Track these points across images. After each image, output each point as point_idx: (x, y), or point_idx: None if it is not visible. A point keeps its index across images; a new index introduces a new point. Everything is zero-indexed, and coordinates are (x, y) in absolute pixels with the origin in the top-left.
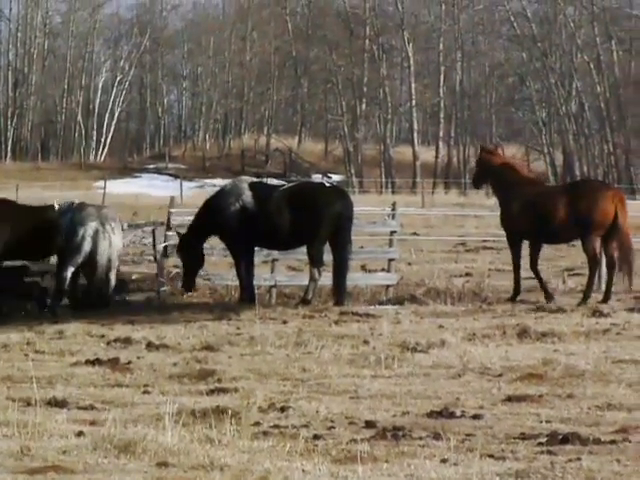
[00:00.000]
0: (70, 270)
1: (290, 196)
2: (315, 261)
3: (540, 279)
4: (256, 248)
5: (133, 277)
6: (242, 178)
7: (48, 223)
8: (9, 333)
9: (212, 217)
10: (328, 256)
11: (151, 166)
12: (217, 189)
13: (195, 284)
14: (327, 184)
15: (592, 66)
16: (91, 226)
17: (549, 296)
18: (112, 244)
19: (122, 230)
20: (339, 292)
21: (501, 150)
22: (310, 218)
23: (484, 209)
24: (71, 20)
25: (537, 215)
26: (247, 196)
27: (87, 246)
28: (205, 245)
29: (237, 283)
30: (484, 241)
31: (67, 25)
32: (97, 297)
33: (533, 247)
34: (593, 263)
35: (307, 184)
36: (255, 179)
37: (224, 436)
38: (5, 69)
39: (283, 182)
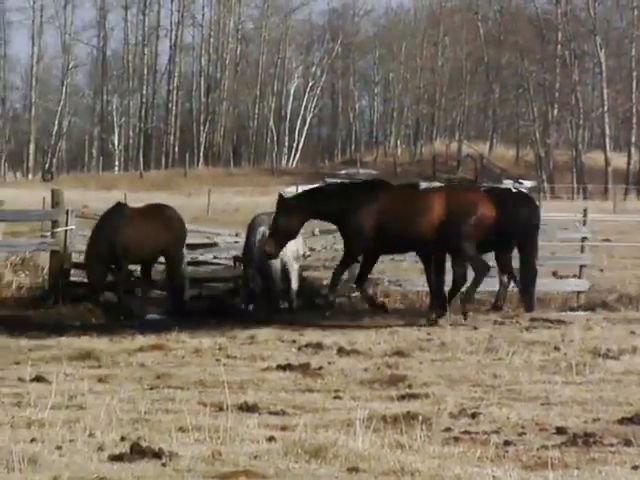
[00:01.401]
0: (253, 275)
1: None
2: (503, 267)
3: None
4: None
5: (324, 282)
6: (433, 184)
7: None
8: (201, 338)
9: None
10: (517, 263)
11: (342, 172)
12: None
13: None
14: (514, 190)
15: None
16: (259, 231)
17: None
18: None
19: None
20: (528, 299)
21: None
22: (497, 225)
23: None
24: (263, 26)
25: None
26: None
27: (257, 252)
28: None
29: (428, 289)
30: None
31: (259, 31)
32: (272, 302)
33: None
34: None
35: (494, 190)
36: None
37: (415, 442)
38: (198, 75)
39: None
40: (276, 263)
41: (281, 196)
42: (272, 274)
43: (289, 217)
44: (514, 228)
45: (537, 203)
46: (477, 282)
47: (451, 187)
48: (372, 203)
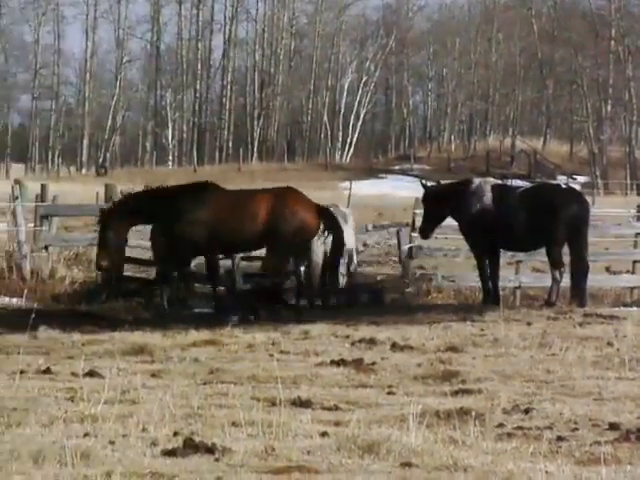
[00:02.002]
0: (300, 269)
1: (526, 198)
2: (555, 262)
3: None
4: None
5: (378, 278)
6: (487, 180)
7: None
8: (254, 333)
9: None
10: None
11: (396, 167)
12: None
13: None
14: (564, 186)
15: None
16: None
17: None
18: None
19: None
20: (580, 294)
21: None
22: (546, 220)
23: None
24: (317, 21)
25: None
26: (487, 198)
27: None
28: (451, 246)
29: (481, 284)
30: None
31: (313, 26)
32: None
33: None
34: None
35: (544, 186)
36: (499, 181)
37: (468, 437)
38: (252, 70)
39: (525, 183)
40: (318, 257)
41: (102, 210)
42: (312, 269)
43: (115, 229)
44: (562, 223)
45: (587, 198)
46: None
47: (279, 192)
48: (201, 207)
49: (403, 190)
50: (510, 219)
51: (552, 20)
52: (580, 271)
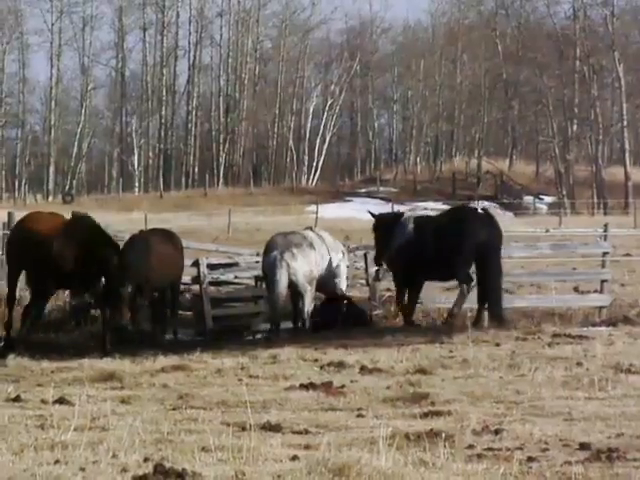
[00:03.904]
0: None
1: (439, 226)
2: (463, 281)
3: None
4: None
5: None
6: (415, 213)
7: None
8: (222, 358)
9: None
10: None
11: (362, 190)
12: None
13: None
14: (479, 210)
15: None
16: (272, 255)
17: None
18: (292, 270)
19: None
20: (495, 319)
21: None
22: (455, 244)
23: None
24: (281, 45)
25: None
26: (409, 231)
27: (269, 274)
28: None
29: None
30: None
31: (277, 50)
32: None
33: None
34: None
35: (457, 210)
36: (427, 213)
37: (438, 459)
38: (217, 95)
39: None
40: (281, 287)
41: None
42: (274, 297)
43: None
44: (473, 247)
45: (499, 224)
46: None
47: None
48: None
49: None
50: (427, 250)
51: (517, 40)
52: (492, 298)
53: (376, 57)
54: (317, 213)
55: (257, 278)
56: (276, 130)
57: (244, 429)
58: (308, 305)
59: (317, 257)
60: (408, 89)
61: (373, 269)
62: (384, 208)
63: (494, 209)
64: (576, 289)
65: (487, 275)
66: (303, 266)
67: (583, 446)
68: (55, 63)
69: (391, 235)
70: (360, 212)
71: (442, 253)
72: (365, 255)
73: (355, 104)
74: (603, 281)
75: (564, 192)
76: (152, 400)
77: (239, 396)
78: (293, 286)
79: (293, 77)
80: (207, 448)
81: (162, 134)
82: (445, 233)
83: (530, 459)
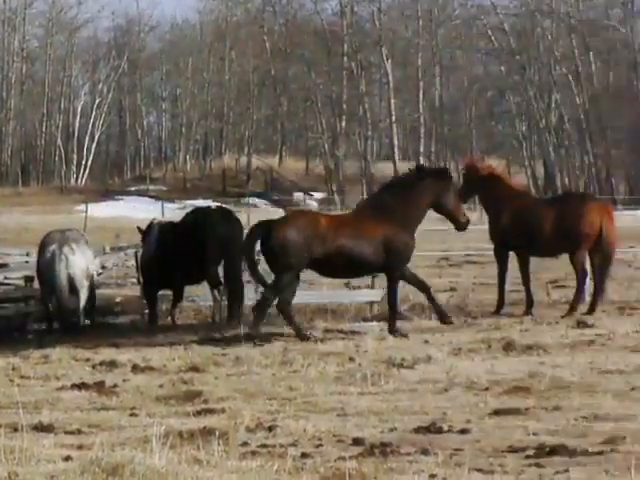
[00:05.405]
0: (47, 295)
1: (180, 228)
2: (212, 282)
3: (530, 294)
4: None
5: (117, 300)
6: (160, 221)
7: None
8: None
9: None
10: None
11: (132, 188)
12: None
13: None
14: (214, 207)
15: (571, 78)
16: (49, 250)
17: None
18: (70, 264)
19: (88, 250)
20: (235, 312)
21: (486, 162)
22: (200, 242)
23: None
24: (48, 44)
25: (527, 228)
26: (152, 239)
27: (46, 270)
28: None
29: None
30: (467, 255)
31: (45, 49)
32: (63, 320)
33: (523, 261)
34: (582, 275)
35: (197, 210)
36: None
37: (212, 457)
38: None
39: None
40: (62, 280)
41: None
42: (57, 292)
43: None
44: (214, 243)
45: (239, 219)
46: None
47: None
48: None
49: (140, 211)
50: (177, 254)
51: (285, 37)
52: (234, 290)
53: (144, 55)
54: (87, 212)
55: (27, 278)
56: (44, 129)
57: (16, 430)
58: (83, 301)
59: (91, 253)
60: (177, 87)
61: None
62: (154, 207)
63: (266, 206)
64: (347, 285)
65: (231, 273)
66: (81, 261)
67: (357, 441)
68: None
69: (144, 243)
70: (131, 211)
71: (191, 255)
72: (136, 254)
73: (124, 102)
74: (374, 277)
75: (334, 188)
76: None
77: (10, 397)
78: (70, 281)
79: (61, 76)
80: None
81: None
82: (189, 235)
83: (304, 455)
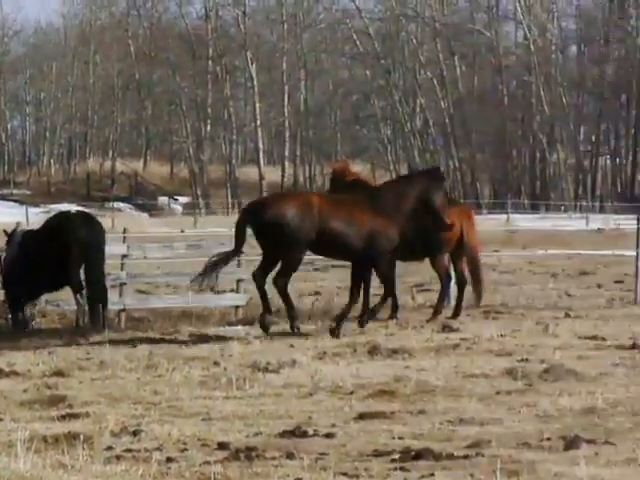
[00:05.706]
0: None
1: (39, 232)
2: (74, 285)
3: (395, 297)
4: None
5: None
6: (23, 229)
7: None
8: None
9: None
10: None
11: None
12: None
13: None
14: (76, 212)
15: (436, 82)
16: None
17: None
18: None
19: None
20: (95, 320)
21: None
22: (63, 246)
23: None
24: None
25: None
26: (15, 246)
27: None
28: None
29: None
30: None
31: None
32: None
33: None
34: (445, 279)
35: (60, 214)
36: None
37: (77, 461)
38: None
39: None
40: None
41: None
42: None
43: None
44: (76, 248)
45: (99, 222)
46: None
47: None
48: None
49: (3, 215)
50: (32, 259)
51: (149, 41)
52: (98, 294)
53: (8, 59)
54: None
55: None
56: None
57: None
58: None
59: None
60: (41, 91)
61: None
62: (18, 210)
63: (130, 210)
64: (212, 289)
65: (92, 277)
66: None
67: (222, 445)
68: None
69: (7, 247)
70: None
71: (53, 259)
72: (0, 258)
73: None
74: (239, 280)
75: (199, 192)
76: None
77: None
78: None
79: None
80: None
81: None
82: (51, 240)
83: (169, 459)
